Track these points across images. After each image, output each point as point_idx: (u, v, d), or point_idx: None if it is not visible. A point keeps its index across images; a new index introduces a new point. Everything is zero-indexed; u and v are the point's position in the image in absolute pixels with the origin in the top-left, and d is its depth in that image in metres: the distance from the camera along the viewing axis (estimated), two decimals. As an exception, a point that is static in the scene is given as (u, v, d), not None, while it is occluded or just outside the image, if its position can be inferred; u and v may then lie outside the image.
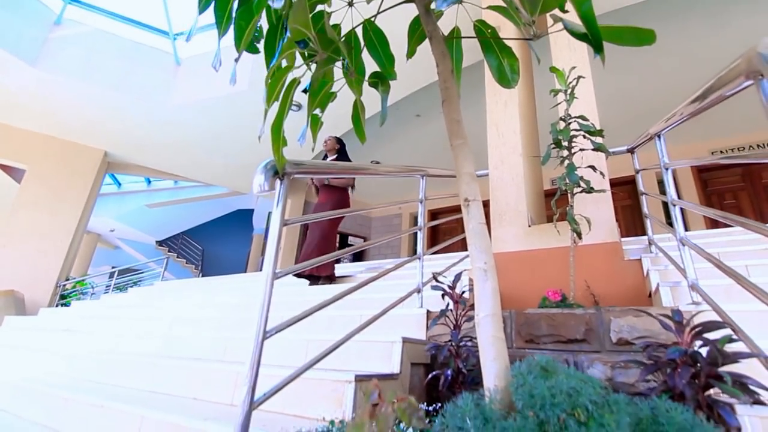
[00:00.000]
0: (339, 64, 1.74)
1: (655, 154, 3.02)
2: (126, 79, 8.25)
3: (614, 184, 3.65)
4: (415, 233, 3.29)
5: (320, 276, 5.01)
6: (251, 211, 16.84)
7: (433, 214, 11.71)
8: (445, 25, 1.68)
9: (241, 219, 19.27)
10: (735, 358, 1.34)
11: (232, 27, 1.59)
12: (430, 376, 2.14)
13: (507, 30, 1.92)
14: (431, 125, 9.12)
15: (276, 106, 1.46)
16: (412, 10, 1.70)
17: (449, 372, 2.00)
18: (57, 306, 8.67)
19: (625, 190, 9.05)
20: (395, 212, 13.45)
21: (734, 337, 1.42)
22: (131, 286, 9.99)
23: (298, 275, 5.11)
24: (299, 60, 1.60)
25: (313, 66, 1.61)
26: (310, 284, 4.98)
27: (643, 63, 7.06)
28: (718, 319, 1.71)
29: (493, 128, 4.41)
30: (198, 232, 20.83)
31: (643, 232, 3.91)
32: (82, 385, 2.75)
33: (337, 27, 1.71)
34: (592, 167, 3.23)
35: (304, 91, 1.59)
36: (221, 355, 2.89)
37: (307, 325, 2.50)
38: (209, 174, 11.74)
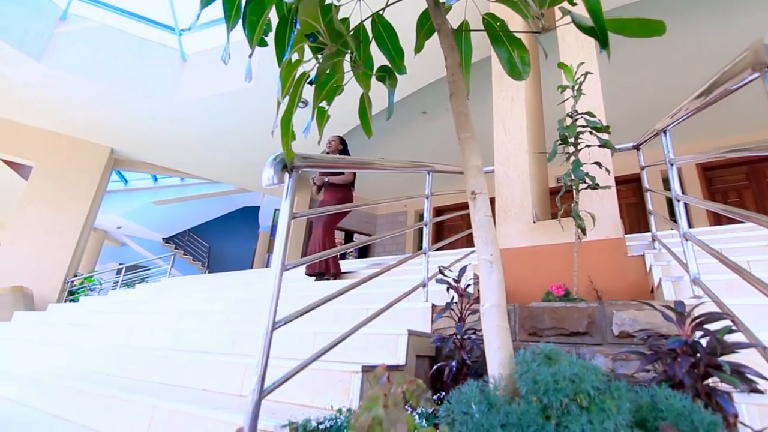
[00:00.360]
0: (347, 57, 1.77)
1: (658, 153, 3.04)
2: (132, 75, 8.26)
3: (618, 182, 3.67)
4: (421, 230, 3.31)
5: (326, 273, 5.10)
6: (257, 208, 16.93)
7: (438, 212, 11.72)
8: (453, 20, 1.71)
9: (247, 216, 19.39)
10: (734, 348, 1.36)
11: (240, 21, 1.61)
12: (434, 367, 2.17)
13: (514, 25, 1.94)
14: (437, 123, 9.10)
15: (285, 100, 1.49)
16: (420, 4, 1.73)
17: (454, 363, 2.03)
18: (65, 302, 8.72)
19: (629, 188, 9.03)
20: (400, 210, 13.45)
21: (734, 328, 1.45)
22: (138, 283, 10.06)
23: (306, 274, 5.26)
24: (308, 54, 1.63)
25: (320, 59, 1.63)
26: (316, 280, 5.06)
27: (649, 60, 7.04)
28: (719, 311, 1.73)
29: (500, 125, 4.43)
30: (204, 229, 20.94)
31: (647, 230, 3.93)
32: (93, 377, 2.79)
33: (345, 21, 1.74)
34: (598, 163, 3.24)
35: (311, 83, 1.62)
36: (230, 348, 2.93)
37: (314, 318, 2.54)
38: (215, 171, 11.78)
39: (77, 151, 9.80)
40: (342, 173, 5.39)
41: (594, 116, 3.19)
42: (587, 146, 3.23)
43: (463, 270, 2.37)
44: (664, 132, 2.93)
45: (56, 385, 2.53)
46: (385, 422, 0.64)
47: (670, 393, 1.14)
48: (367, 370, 1.87)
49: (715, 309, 1.85)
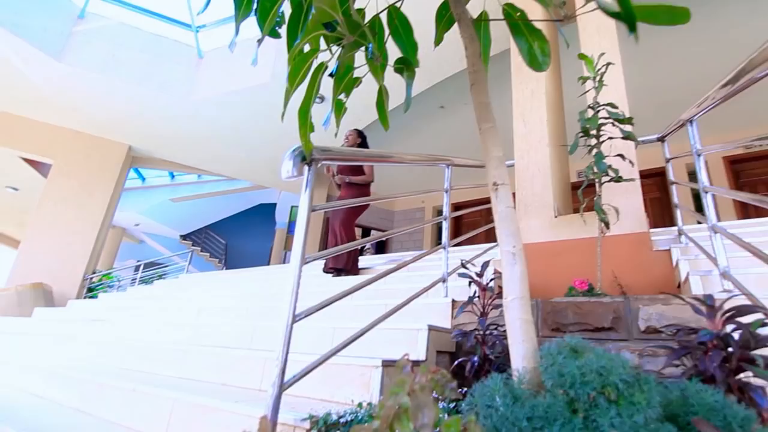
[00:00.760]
0: (361, 49, 1.74)
1: (683, 146, 2.97)
2: (149, 72, 8.31)
3: (641, 176, 3.59)
4: (439, 228, 3.28)
5: (344, 269, 5.10)
6: (274, 205, 16.98)
7: (456, 208, 11.65)
8: (472, 11, 1.67)
9: (264, 213, 19.47)
10: (768, 341, 1.32)
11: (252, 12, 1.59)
12: (455, 363, 2.13)
13: (534, 15, 1.90)
14: (455, 117, 9.04)
15: (303, 92, 1.47)
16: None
17: (476, 359, 2.00)
18: (84, 298, 8.82)
19: (652, 183, 8.86)
20: (418, 206, 13.39)
21: (767, 321, 1.40)
22: (156, 280, 10.15)
23: (324, 271, 5.28)
24: (323, 44, 1.60)
25: (336, 49, 1.61)
26: (334, 277, 5.06)
27: (672, 51, 6.90)
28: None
29: (520, 118, 4.38)
30: (221, 226, 21.09)
31: (672, 224, 3.84)
32: (113, 371, 2.82)
33: (361, 12, 1.71)
34: (621, 156, 3.17)
35: (331, 75, 1.60)
36: (248, 343, 2.93)
37: (333, 313, 2.52)
38: (231, 168, 11.83)
39: (96, 148, 9.90)
40: (363, 172, 5.38)
41: (616, 107, 3.12)
42: (609, 138, 3.16)
43: (486, 264, 2.34)
44: (691, 122, 2.87)
45: (77, 380, 2.55)
46: (412, 407, 0.62)
47: (701, 387, 1.10)
48: (387, 364, 1.85)
49: (747, 303, 1.79)
